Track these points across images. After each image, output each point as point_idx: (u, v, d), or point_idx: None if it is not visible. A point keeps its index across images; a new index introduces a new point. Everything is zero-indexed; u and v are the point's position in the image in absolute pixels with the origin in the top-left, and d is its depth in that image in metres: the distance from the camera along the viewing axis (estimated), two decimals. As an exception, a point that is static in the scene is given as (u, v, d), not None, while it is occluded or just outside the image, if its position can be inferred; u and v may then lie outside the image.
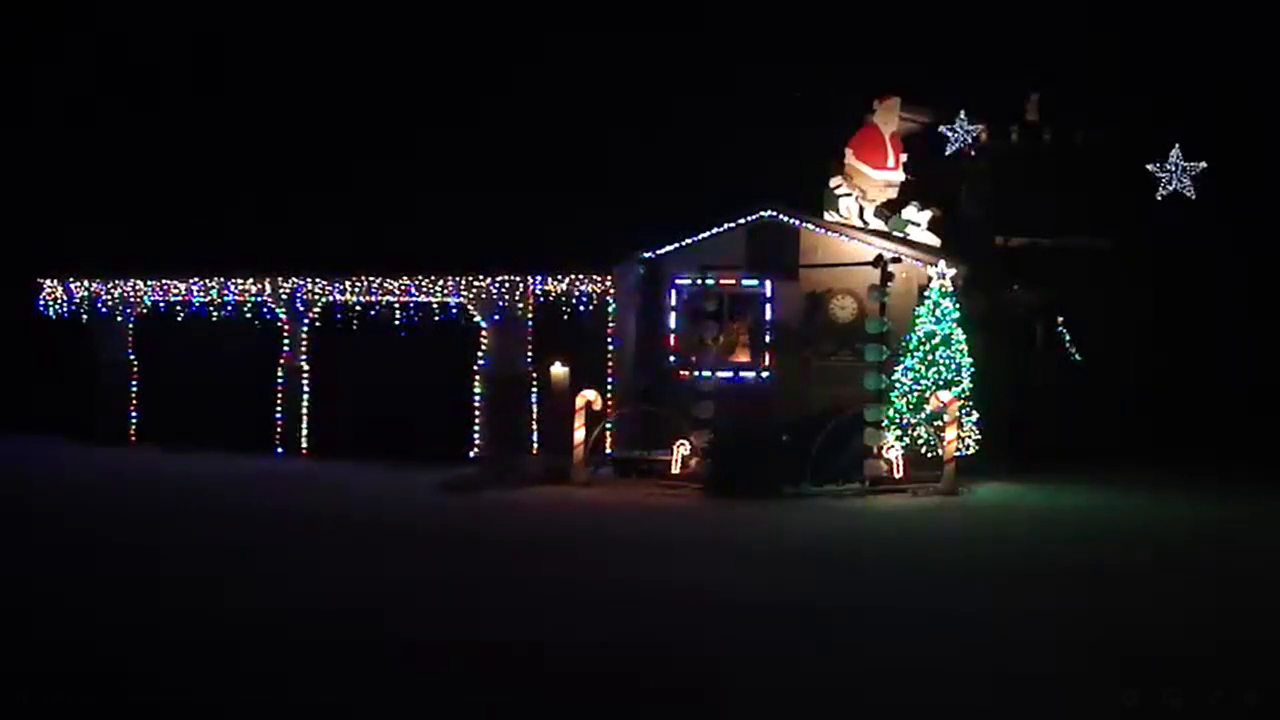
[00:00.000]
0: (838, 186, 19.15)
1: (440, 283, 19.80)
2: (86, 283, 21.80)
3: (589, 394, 17.12)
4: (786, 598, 9.98)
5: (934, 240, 18.99)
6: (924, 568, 11.52)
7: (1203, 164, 18.81)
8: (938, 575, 11.17)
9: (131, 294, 21.64)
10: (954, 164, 20.40)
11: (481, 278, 19.64)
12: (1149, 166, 18.98)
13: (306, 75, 25.19)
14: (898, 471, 16.52)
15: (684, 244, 18.78)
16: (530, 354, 19.52)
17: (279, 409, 20.51)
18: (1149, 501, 15.94)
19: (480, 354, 19.65)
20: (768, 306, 18.47)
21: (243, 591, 10.06)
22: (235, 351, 20.71)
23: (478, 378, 19.61)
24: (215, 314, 21.09)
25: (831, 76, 20.17)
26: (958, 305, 17.47)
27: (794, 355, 18.32)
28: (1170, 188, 18.87)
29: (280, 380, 20.54)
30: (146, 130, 25.16)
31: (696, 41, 23.78)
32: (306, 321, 20.59)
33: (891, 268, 16.74)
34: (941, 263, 17.70)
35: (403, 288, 19.98)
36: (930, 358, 17.12)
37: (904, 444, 16.88)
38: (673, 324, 18.71)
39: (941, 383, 16.97)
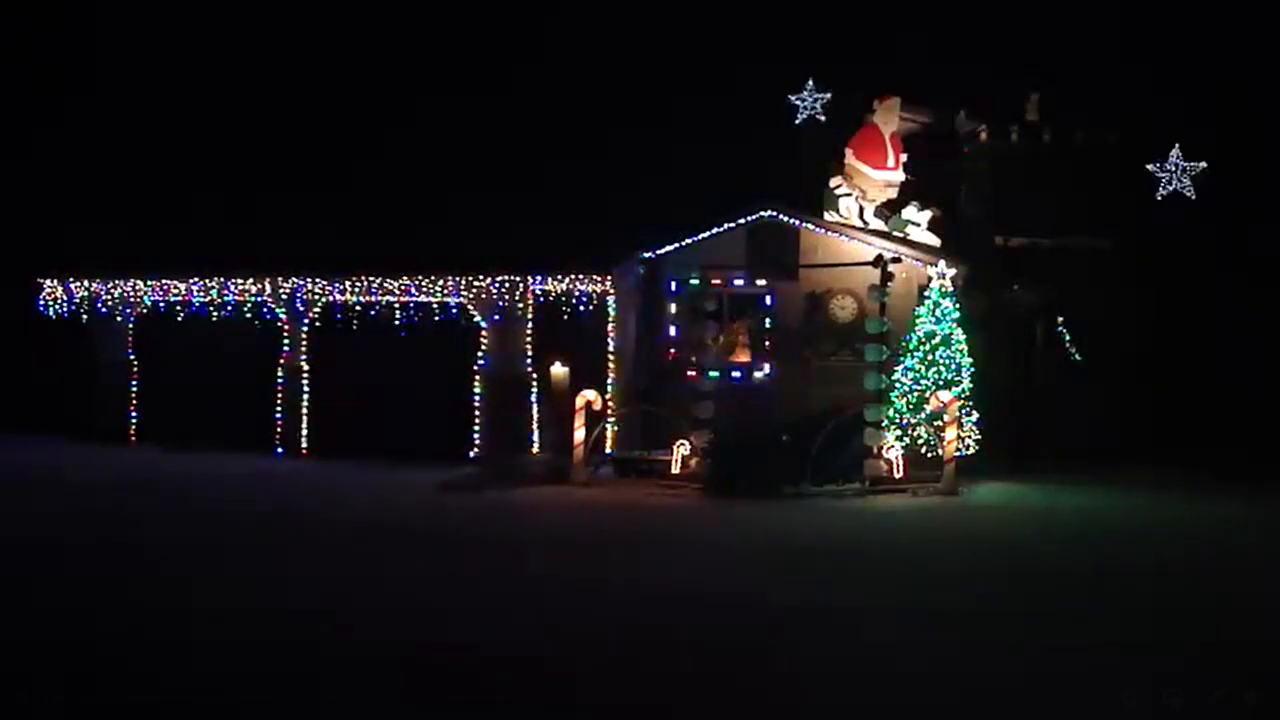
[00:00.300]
0: (838, 186, 19.16)
1: (440, 283, 19.82)
2: (86, 283, 21.82)
3: (589, 394, 17.12)
4: (787, 598, 9.99)
5: (934, 240, 18.99)
6: (924, 568, 11.53)
7: (1203, 164, 18.83)
8: (938, 575, 11.18)
9: (131, 294, 21.65)
10: (954, 164, 20.42)
11: (481, 278, 19.67)
12: (1149, 166, 19.00)
13: (307, 75, 25.23)
14: (898, 471, 16.54)
15: (684, 244, 18.78)
16: (530, 354, 19.55)
17: (279, 409, 20.53)
18: (1149, 501, 15.97)
19: (480, 354, 19.67)
20: (768, 298, 18.40)
21: (243, 592, 10.06)
22: (235, 351, 20.74)
23: (478, 378, 19.63)
24: (215, 314, 21.11)
25: (831, 76, 20.16)
26: (958, 305, 17.47)
27: (794, 355, 18.33)
28: (1170, 188, 18.89)
29: (280, 380, 20.57)
30: (147, 130, 25.19)
31: (696, 41, 23.80)
32: (306, 321, 20.60)
33: (891, 268, 16.76)
34: (941, 263, 17.71)
35: (402, 288, 20.00)
36: (930, 358, 17.13)
37: (904, 444, 16.89)
38: (672, 325, 18.66)
39: (941, 383, 16.98)
